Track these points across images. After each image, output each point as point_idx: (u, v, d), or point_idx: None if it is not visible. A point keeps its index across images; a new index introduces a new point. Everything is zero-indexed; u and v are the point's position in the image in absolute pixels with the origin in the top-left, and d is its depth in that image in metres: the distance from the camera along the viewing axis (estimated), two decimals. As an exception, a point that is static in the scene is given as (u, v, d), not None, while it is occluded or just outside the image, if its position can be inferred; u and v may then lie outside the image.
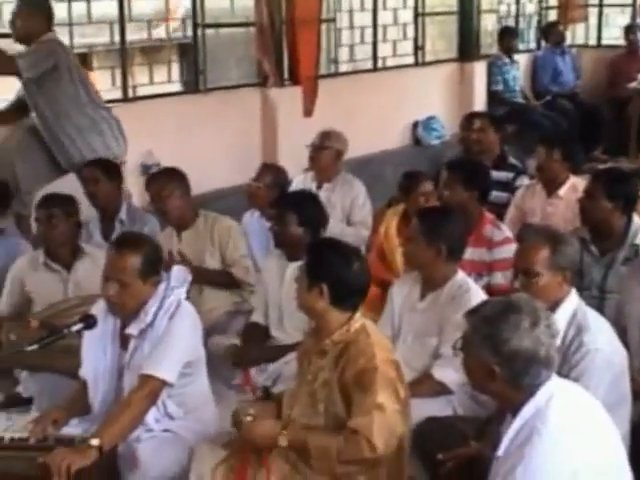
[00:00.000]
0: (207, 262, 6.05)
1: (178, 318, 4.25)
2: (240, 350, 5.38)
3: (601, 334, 4.00)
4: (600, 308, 5.08)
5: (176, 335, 4.22)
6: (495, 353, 3.11)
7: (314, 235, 5.37)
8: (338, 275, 3.86)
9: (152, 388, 4.16)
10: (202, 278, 5.88)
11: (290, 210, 5.39)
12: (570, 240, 4.30)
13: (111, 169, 6.45)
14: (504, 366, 3.11)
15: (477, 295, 4.66)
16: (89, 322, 4.17)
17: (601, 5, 13.44)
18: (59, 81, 6.67)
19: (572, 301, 4.11)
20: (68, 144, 6.79)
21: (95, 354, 4.35)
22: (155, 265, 4.29)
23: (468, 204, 5.87)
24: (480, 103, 11.66)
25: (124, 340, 4.31)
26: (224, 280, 6.02)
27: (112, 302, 4.23)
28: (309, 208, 5.49)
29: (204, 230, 6.09)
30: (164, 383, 4.17)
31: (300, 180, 7.40)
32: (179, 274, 4.43)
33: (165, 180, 6.10)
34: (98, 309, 4.35)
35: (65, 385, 4.92)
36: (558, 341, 3.33)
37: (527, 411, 3.12)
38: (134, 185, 7.51)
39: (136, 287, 4.19)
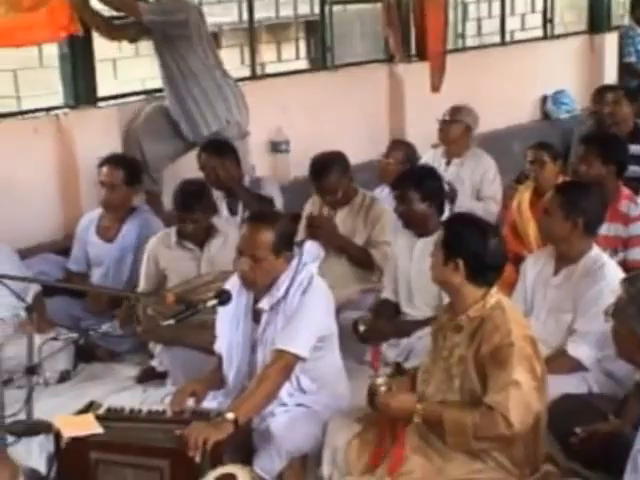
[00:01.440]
0: (355, 241, 6.11)
1: (311, 293, 4.28)
2: (369, 327, 5.39)
3: None
4: None
5: (309, 310, 4.25)
6: None
7: (438, 209, 5.35)
8: (474, 251, 3.84)
9: (286, 363, 4.20)
10: (343, 249, 5.99)
11: (411, 188, 5.36)
12: None
13: (222, 148, 6.52)
14: None
15: (613, 270, 4.60)
16: (223, 298, 4.22)
17: None
18: (189, 40, 6.79)
19: None
20: (194, 109, 6.87)
21: (229, 329, 4.41)
22: (288, 240, 4.33)
23: (605, 179, 5.77)
24: (611, 76, 11.37)
25: (257, 315, 4.36)
26: (362, 256, 6.05)
27: (245, 277, 4.28)
28: (429, 183, 5.45)
29: (360, 209, 6.15)
30: (297, 358, 4.21)
31: (429, 156, 7.36)
32: (311, 250, 4.46)
33: (326, 160, 6.17)
34: (232, 284, 4.40)
35: (199, 360, 5.01)
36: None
37: None
38: (263, 161, 7.57)
39: (269, 262, 4.23)
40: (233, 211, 6.48)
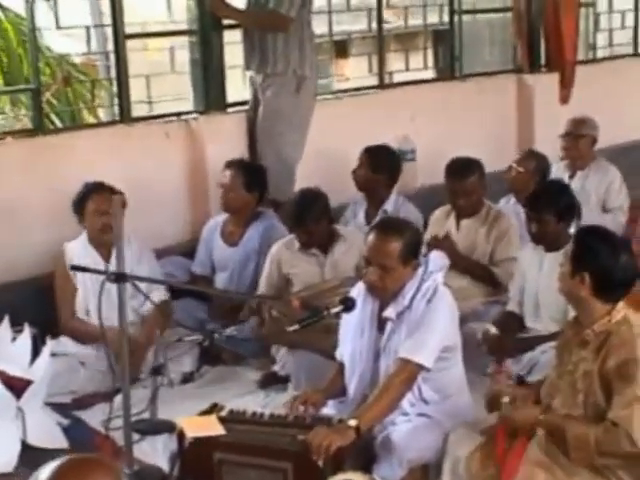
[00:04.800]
0: (475, 254, 6.08)
1: (435, 302, 4.28)
2: (496, 339, 5.34)
3: None
4: None
5: (434, 319, 4.24)
6: None
7: (569, 225, 5.28)
8: (602, 266, 3.79)
9: (410, 372, 4.20)
10: (463, 267, 5.93)
11: (546, 210, 5.30)
12: None
13: (377, 161, 6.63)
14: None
15: None
16: (348, 305, 4.24)
17: None
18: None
19: None
20: (270, 44, 6.89)
21: (353, 336, 4.43)
22: (415, 249, 4.33)
23: None
24: None
25: (381, 323, 4.37)
26: (485, 276, 6.01)
27: (373, 286, 4.29)
28: (564, 202, 5.39)
29: (484, 222, 6.12)
30: (421, 367, 4.20)
31: (554, 169, 7.26)
32: (437, 259, 4.45)
33: (466, 162, 6.22)
34: (357, 292, 4.42)
35: (322, 365, 5.04)
36: None
37: None
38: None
39: (397, 271, 4.24)
40: (369, 221, 6.51)
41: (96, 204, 5.72)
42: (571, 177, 7.25)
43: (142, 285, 4.96)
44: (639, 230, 6.44)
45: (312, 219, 5.65)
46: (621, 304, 3.85)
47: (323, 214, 5.75)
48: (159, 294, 5.74)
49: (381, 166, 6.63)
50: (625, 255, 3.84)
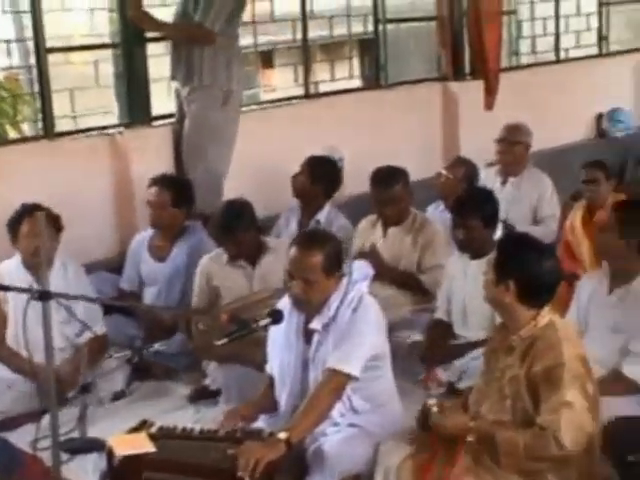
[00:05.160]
0: (402, 263, 6.09)
1: (361, 312, 4.28)
2: (426, 348, 5.37)
3: None
4: None
5: (360, 329, 4.24)
6: None
7: (494, 231, 5.32)
8: (526, 272, 3.83)
9: (338, 382, 4.20)
10: (391, 276, 5.95)
11: (473, 215, 5.35)
12: None
13: (318, 171, 6.67)
14: None
15: (670, 291, 4.54)
16: (276, 317, 4.22)
17: None
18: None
19: None
20: (197, 58, 6.88)
21: (281, 349, 4.42)
22: (338, 260, 4.32)
23: None
24: (668, 94, 11.29)
25: (308, 335, 4.36)
26: (412, 285, 6.04)
27: (297, 299, 4.28)
28: (489, 208, 5.45)
29: (411, 230, 6.14)
30: (349, 377, 4.20)
31: (484, 175, 7.33)
32: (361, 269, 4.46)
33: (391, 171, 6.24)
34: (283, 304, 4.41)
35: (253, 377, 5.03)
36: None
37: None
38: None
39: (321, 283, 4.24)
40: (302, 227, 6.56)
41: (29, 226, 5.57)
42: (503, 183, 7.30)
43: (80, 313, 4.94)
44: (563, 235, 6.51)
45: (239, 229, 5.64)
46: (546, 309, 3.89)
47: (250, 224, 5.74)
48: (98, 327, 5.65)
49: (321, 177, 6.66)
50: (548, 260, 3.89)
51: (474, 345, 5.10)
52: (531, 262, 3.84)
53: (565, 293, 5.27)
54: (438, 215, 6.75)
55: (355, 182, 7.04)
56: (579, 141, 10.38)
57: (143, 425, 4.32)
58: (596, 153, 9.13)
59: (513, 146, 7.26)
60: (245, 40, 7.91)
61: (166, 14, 7.18)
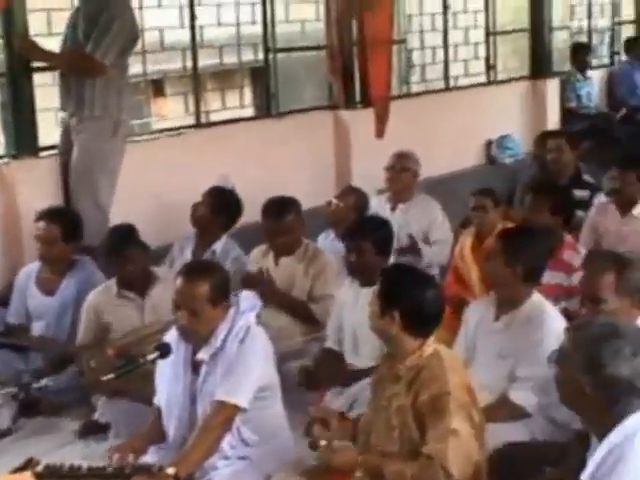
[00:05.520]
0: (294, 292, 6.09)
1: (248, 342, 4.27)
2: (313, 372, 5.37)
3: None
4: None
5: (247, 359, 4.23)
6: (591, 375, 3.04)
7: (387, 259, 5.35)
8: (411, 302, 3.85)
9: (226, 414, 4.17)
10: (283, 305, 5.95)
11: (365, 240, 5.37)
12: (637, 264, 4.22)
13: (219, 202, 6.67)
14: (597, 390, 3.04)
15: (554, 317, 4.63)
16: (163, 351, 4.19)
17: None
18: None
19: (642, 325, 4.02)
20: (87, 90, 6.81)
21: (168, 381, 4.38)
22: (224, 290, 4.31)
23: (552, 229, 5.83)
24: (554, 120, 11.53)
25: (196, 366, 4.33)
26: (303, 313, 6.03)
27: (183, 330, 4.25)
28: (384, 235, 5.47)
29: (302, 260, 6.13)
30: (238, 408, 4.18)
31: (374, 202, 7.38)
32: (248, 299, 4.45)
33: (282, 202, 6.23)
34: (171, 336, 4.37)
35: (142, 411, 4.95)
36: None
37: (615, 437, 3.03)
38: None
39: (207, 314, 4.21)
40: (197, 257, 6.53)
41: None
42: (392, 210, 7.36)
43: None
44: (453, 261, 6.58)
45: (127, 248, 5.63)
46: (432, 338, 3.91)
47: (138, 243, 5.73)
48: None
49: (222, 208, 6.65)
50: (432, 289, 3.92)
51: (363, 372, 5.09)
52: (415, 292, 3.86)
53: (454, 319, 5.35)
54: (329, 244, 6.77)
55: (247, 211, 7.02)
56: (469, 168, 10.54)
57: (29, 464, 4.20)
58: (486, 180, 9.30)
59: (401, 173, 7.34)
60: (135, 69, 7.86)
61: (54, 44, 7.09)
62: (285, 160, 8.52)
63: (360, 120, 9.05)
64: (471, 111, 10.49)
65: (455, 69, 10.90)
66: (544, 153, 7.92)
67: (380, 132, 8.78)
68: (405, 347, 3.87)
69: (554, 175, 7.61)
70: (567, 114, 11.77)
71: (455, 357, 4.07)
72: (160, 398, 4.43)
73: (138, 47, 7.87)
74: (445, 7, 10.57)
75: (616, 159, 6.88)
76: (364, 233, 5.44)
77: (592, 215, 6.74)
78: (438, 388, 3.73)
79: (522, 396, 4.54)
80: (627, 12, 13.31)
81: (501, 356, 4.67)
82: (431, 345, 3.88)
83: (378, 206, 7.31)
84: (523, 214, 6.20)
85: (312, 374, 5.43)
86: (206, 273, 4.27)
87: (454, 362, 3.93)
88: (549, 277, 5.38)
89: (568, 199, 6.24)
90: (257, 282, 5.88)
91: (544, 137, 8.25)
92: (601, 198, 7.26)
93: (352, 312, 5.38)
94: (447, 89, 10.73)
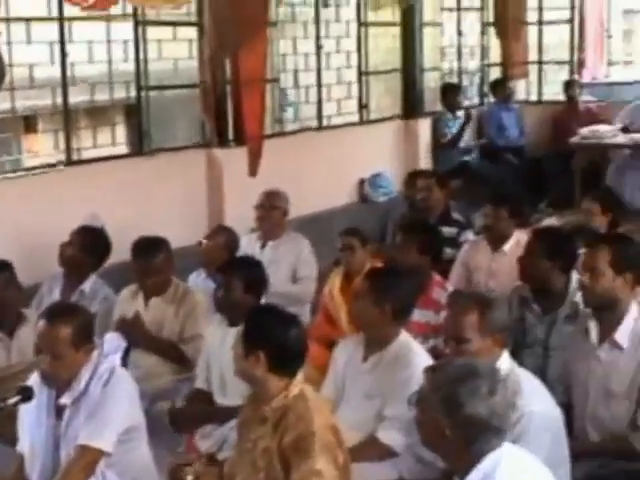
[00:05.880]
0: (165, 333, 6.02)
1: (112, 385, 4.22)
2: (180, 412, 5.33)
3: (535, 395, 4.00)
4: (544, 366, 5.15)
5: (111, 402, 4.17)
6: (449, 416, 3.08)
7: (257, 300, 5.35)
8: (275, 342, 3.86)
9: (89, 458, 4.11)
10: (152, 347, 5.89)
11: (236, 276, 5.36)
12: (499, 303, 4.31)
13: (88, 242, 6.55)
14: (455, 430, 3.08)
15: (421, 357, 4.68)
16: (25, 394, 4.11)
17: (540, 62, 13.64)
18: None
19: (504, 364, 4.09)
20: None
21: (30, 427, 4.29)
22: (87, 333, 4.25)
23: (421, 267, 5.92)
24: (425, 159, 11.74)
25: (59, 410, 4.26)
26: (173, 355, 5.98)
27: (46, 374, 4.18)
28: (254, 274, 5.47)
29: (172, 300, 6.07)
30: (101, 453, 4.12)
31: (245, 241, 7.39)
32: (113, 341, 4.42)
33: (152, 242, 6.15)
34: (33, 380, 4.29)
35: (6, 454, 4.83)
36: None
37: (475, 476, 3.08)
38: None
39: (69, 357, 4.15)
40: (65, 299, 6.37)
41: None
42: (262, 247, 7.39)
43: None
44: (322, 300, 6.62)
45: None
46: (298, 379, 3.93)
47: (11, 277, 5.65)
48: None
49: (91, 248, 6.55)
50: (295, 329, 3.94)
51: (230, 411, 5.05)
52: (278, 332, 3.88)
53: (325, 358, 5.38)
54: (200, 283, 6.75)
55: (117, 251, 6.95)
56: (342, 206, 10.63)
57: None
58: (358, 218, 9.43)
59: (270, 211, 7.38)
60: (3, 105, 7.73)
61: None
62: (157, 199, 8.47)
63: (233, 158, 9.06)
64: (344, 150, 10.62)
65: (328, 108, 10.99)
66: (413, 192, 8.06)
67: (253, 171, 8.80)
68: (271, 388, 3.87)
69: (424, 213, 7.74)
70: (438, 153, 11.98)
71: (320, 398, 4.10)
72: (23, 444, 4.34)
73: (7, 83, 7.78)
74: (318, 47, 10.67)
75: (487, 197, 7.05)
76: (234, 270, 5.44)
77: (464, 251, 6.87)
78: (303, 429, 3.73)
79: (390, 435, 4.57)
80: (495, 55, 13.62)
81: (369, 396, 4.70)
82: (297, 385, 3.89)
83: (248, 244, 7.34)
84: (393, 253, 6.28)
85: (181, 415, 5.38)
86: (68, 316, 4.20)
87: (319, 403, 3.94)
88: (418, 315, 5.46)
89: (436, 237, 6.34)
90: (127, 327, 5.83)
91: (413, 176, 8.42)
92: (469, 236, 7.42)
93: (220, 351, 5.34)
94: (320, 128, 10.80)
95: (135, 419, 4.33)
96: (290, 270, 7.31)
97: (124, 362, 5.70)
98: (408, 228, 6.34)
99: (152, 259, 6.03)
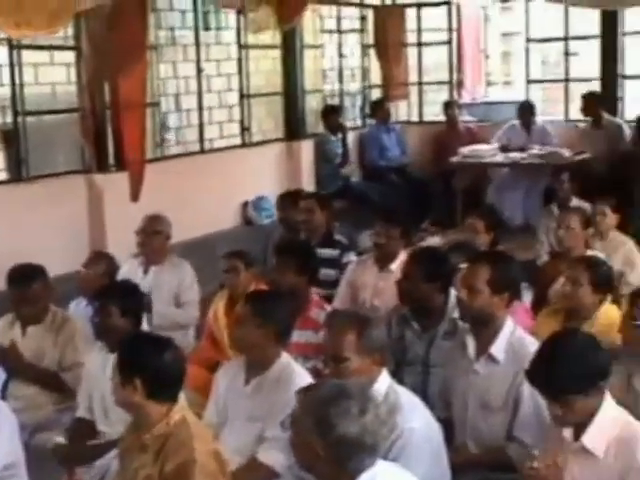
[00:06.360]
0: (45, 362, 5.90)
1: (-8, 420, 4.12)
2: (65, 449, 5.23)
3: (414, 412, 4.05)
4: (424, 383, 5.22)
5: (-10, 439, 4.08)
6: (322, 437, 3.09)
7: (136, 326, 5.29)
8: (151, 368, 3.83)
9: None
10: (31, 377, 5.78)
11: (112, 302, 5.30)
12: (376, 322, 4.35)
13: None
14: (329, 450, 3.09)
15: (302, 378, 4.67)
16: None
17: (420, 83, 13.83)
18: None
19: (384, 382, 4.13)
20: None
21: None
22: None
23: (298, 288, 5.93)
24: (309, 181, 11.79)
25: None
26: (54, 384, 5.85)
27: None
28: (131, 299, 5.41)
29: (51, 328, 5.95)
30: (-20, 490, 4.03)
31: (127, 266, 7.32)
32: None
33: (28, 269, 6.01)
34: None
35: None
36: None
37: None
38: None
39: None
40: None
41: None
42: (145, 272, 7.33)
43: None
44: (207, 323, 6.60)
45: None
46: (179, 405, 3.90)
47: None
48: None
49: None
50: (170, 353, 3.90)
51: (113, 444, 4.99)
52: (153, 358, 3.85)
53: (210, 382, 5.34)
54: (81, 311, 6.64)
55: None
56: (226, 229, 10.62)
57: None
58: (243, 241, 9.41)
59: (152, 236, 7.31)
60: None
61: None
62: (37, 225, 8.34)
63: (114, 184, 8.98)
64: (227, 173, 10.62)
65: (210, 132, 10.97)
66: (287, 214, 8.15)
67: (135, 196, 8.72)
68: (151, 415, 3.83)
69: (305, 235, 7.78)
70: (321, 175, 12.05)
71: (202, 424, 4.08)
72: None
73: None
74: (199, 70, 10.65)
75: (375, 216, 7.12)
76: (110, 295, 5.37)
77: (350, 270, 6.90)
78: (185, 456, 3.71)
79: (270, 456, 4.55)
80: (376, 76, 13.77)
81: (252, 419, 4.68)
82: (178, 412, 3.86)
83: (130, 270, 7.26)
84: (271, 275, 6.29)
85: (63, 451, 5.26)
86: None
87: (201, 429, 3.93)
88: (297, 336, 5.46)
89: (312, 257, 6.36)
90: (7, 356, 5.71)
91: (284, 198, 8.54)
92: (352, 257, 7.46)
93: (101, 378, 5.25)
94: (202, 152, 10.77)
95: (14, 454, 4.24)
96: (172, 295, 7.26)
97: (3, 394, 5.61)
98: (284, 249, 6.36)
99: (28, 287, 5.91)
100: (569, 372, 3.64)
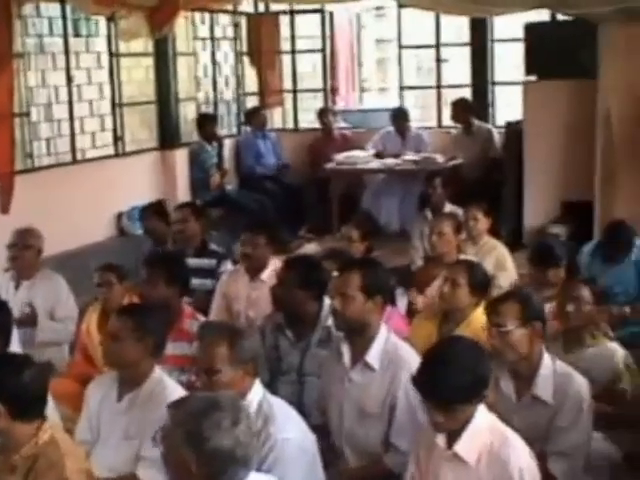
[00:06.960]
0: None
1: None
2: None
3: (289, 422, 4.04)
4: (299, 392, 5.22)
5: None
6: (195, 451, 3.04)
7: (4, 344, 5.14)
8: (10, 390, 3.70)
9: None
10: None
11: None
12: (248, 333, 4.33)
13: None
14: (202, 465, 3.04)
15: (175, 391, 4.59)
16: None
17: (295, 90, 13.85)
18: None
19: (257, 393, 4.12)
20: None
21: None
22: None
23: (170, 299, 5.85)
24: (183, 190, 11.69)
25: None
26: None
27: None
28: None
29: None
30: None
31: (-1, 281, 7.16)
32: None
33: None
34: None
35: None
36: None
37: None
38: None
39: None
40: None
41: None
42: (17, 288, 7.17)
43: None
44: (81, 336, 6.49)
45: None
46: (48, 424, 3.79)
47: None
48: None
49: None
50: (28, 371, 3.78)
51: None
52: (11, 379, 3.72)
53: (82, 396, 5.22)
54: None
55: None
56: (100, 241, 10.46)
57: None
58: (117, 252, 9.30)
59: (24, 250, 7.15)
60: None
61: None
62: None
63: (-18, 195, 8.73)
64: (100, 183, 10.44)
65: (82, 141, 10.76)
66: (153, 224, 8.12)
67: (5, 208, 8.51)
68: (18, 436, 3.72)
69: (181, 245, 7.71)
70: (197, 184, 11.95)
71: (72, 442, 3.98)
72: None
73: None
74: (69, 79, 10.45)
75: (246, 225, 7.08)
76: None
77: (222, 282, 6.86)
78: (55, 476, 3.62)
79: (150, 474, 4.47)
80: (251, 83, 13.73)
81: (127, 437, 4.60)
82: (47, 431, 3.76)
83: (2, 284, 7.10)
84: (140, 288, 6.19)
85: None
86: None
87: (72, 447, 3.83)
88: (172, 348, 5.35)
89: (182, 267, 6.26)
90: None
91: (146, 209, 8.55)
92: (228, 266, 7.41)
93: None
94: (74, 162, 10.56)
95: None
96: (46, 309, 7.11)
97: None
98: (153, 261, 6.24)
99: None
100: (457, 382, 3.70)
